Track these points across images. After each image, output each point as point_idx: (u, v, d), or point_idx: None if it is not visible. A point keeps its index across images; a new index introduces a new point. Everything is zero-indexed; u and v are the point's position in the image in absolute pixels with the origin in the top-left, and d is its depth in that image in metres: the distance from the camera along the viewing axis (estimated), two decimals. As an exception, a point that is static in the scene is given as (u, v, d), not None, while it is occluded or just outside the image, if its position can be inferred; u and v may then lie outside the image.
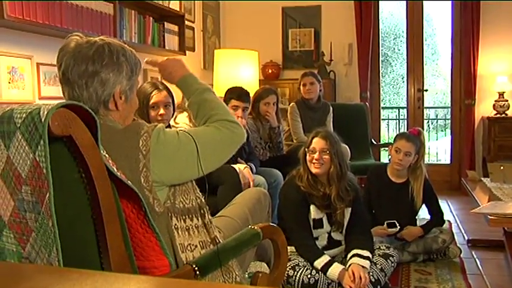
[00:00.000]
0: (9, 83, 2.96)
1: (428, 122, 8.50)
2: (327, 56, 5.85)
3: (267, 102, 4.07)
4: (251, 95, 3.78)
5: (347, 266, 2.82)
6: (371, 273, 2.82)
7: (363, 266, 2.79)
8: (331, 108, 4.76)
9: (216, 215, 1.98)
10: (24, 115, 1.16)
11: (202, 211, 1.67)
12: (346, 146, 3.92)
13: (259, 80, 5.37)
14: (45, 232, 1.16)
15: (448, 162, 6.23)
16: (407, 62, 6.17)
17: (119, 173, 1.30)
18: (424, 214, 3.64)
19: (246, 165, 3.43)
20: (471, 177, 4.04)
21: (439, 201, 3.57)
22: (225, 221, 1.93)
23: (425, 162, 3.52)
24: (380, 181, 3.45)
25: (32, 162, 1.15)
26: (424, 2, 6.03)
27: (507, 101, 5.53)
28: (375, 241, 3.09)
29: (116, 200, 1.27)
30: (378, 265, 2.90)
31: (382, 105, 6.49)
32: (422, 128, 4.73)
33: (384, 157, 6.64)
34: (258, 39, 6.00)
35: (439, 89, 10.72)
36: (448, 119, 8.14)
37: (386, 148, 6.51)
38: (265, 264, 2.07)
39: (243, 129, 1.74)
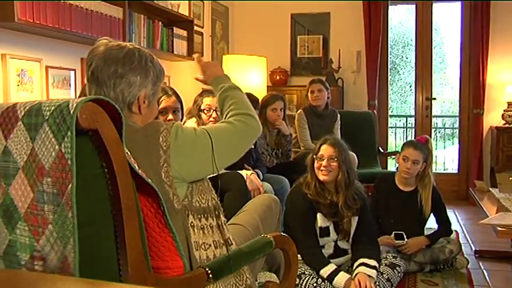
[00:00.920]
0: (18, 85, 2.96)
1: (435, 130, 8.47)
2: (335, 63, 5.83)
3: (274, 108, 4.07)
4: (259, 101, 3.78)
5: (353, 275, 2.80)
6: (377, 283, 2.80)
7: (369, 276, 2.77)
8: (338, 115, 4.74)
9: (228, 223, 1.97)
10: (53, 108, 1.18)
11: (217, 212, 1.71)
12: (354, 154, 3.90)
13: (267, 86, 5.37)
14: (64, 224, 1.17)
15: (456, 171, 6.20)
16: (415, 70, 6.15)
17: (140, 171, 1.31)
18: (431, 223, 3.61)
19: (252, 171, 3.42)
20: (479, 188, 4.01)
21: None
22: (236, 228, 1.93)
23: (432, 171, 3.49)
24: (388, 189, 3.43)
25: (57, 153, 1.17)
26: (433, 4, 6.00)
27: (516, 110, 5.50)
28: (382, 250, 3.07)
29: (136, 198, 1.27)
30: (384, 275, 2.88)
31: (389, 113, 6.47)
32: (430, 137, 4.71)
33: (391, 165, 6.61)
34: (266, 45, 6.00)
35: (446, 98, 10.67)
36: (455, 128, 8.11)
37: (394, 156, 6.50)
38: (274, 275, 2.07)
39: (258, 122, 1.78)
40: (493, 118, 5.69)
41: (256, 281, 1.94)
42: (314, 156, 2.97)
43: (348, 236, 2.98)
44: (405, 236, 3.27)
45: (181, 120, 2.97)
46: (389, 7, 6.01)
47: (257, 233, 1.92)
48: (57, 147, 1.17)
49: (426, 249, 3.34)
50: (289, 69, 6.14)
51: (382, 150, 5.39)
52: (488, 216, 3.02)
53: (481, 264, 3.57)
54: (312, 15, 6.11)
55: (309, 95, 4.57)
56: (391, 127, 7.18)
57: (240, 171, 3.26)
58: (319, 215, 2.91)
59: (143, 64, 1.59)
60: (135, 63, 1.57)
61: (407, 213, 3.36)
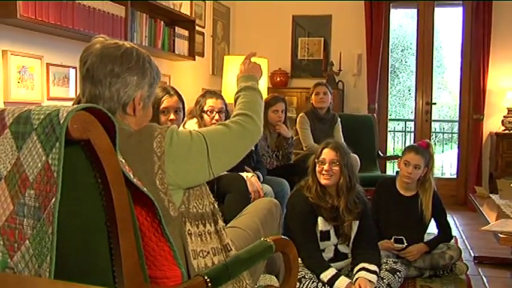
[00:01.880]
0: (18, 82, 2.93)
1: (435, 135, 8.47)
2: (336, 66, 5.82)
3: (275, 110, 4.06)
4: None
5: (354, 279, 2.78)
6: (378, 288, 2.78)
7: (369, 280, 2.76)
8: (338, 119, 4.73)
9: (228, 226, 1.95)
10: (42, 116, 1.13)
11: (215, 217, 1.66)
12: (356, 156, 3.89)
13: (268, 87, 5.35)
14: (42, 240, 1.12)
15: (454, 176, 6.19)
16: (416, 75, 6.15)
17: (135, 180, 1.27)
18: (432, 229, 3.59)
19: (253, 173, 3.40)
20: (479, 193, 3.99)
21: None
22: (236, 232, 1.90)
23: (433, 175, 3.48)
24: (389, 194, 3.40)
25: (44, 165, 1.12)
26: (435, 9, 6.00)
27: (516, 117, 5.50)
28: (382, 255, 3.05)
29: (131, 207, 1.24)
30: (385, 280, 2.86)
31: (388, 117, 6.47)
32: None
33: (390, 169, 6.61)
34: (267, 46, 5.99)
35: (444, 102, 10.69)
36: (454, 133, 8.11)
37: (393, 160, 6.49)
38: (274, 278, 2.05)
39: (259, 125, 1.74)
40: (492, 124, 5.69)
41: (256, 285, 1.92)
42: (316, 160, 2.94)
43: (349, 240, 2.96)
44: (405, 241, 3.26)
45: (182, 120, 2.95)
46: (391, 10, 6.01)
47: (257, 237, 1.89)
48: (44, 158, 1.12)
49: (426, 254, 3.33)
50: (290, 71, 6.13)
51: (381, 154, 5.38)
52: (488, 223, 3.01)
53: (480, 270, 3.56)
54: (314, 17, 6.10)
55: (314, 97, 4.55)
56: (390, 131, 7.17)
57: (240, 173, 3.24)
58: (320, 219, 2.89)
59: (140, 64, 1.54)
60: (132, 63, 1.52)
61: (408, 218, 3.34)
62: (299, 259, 2.80)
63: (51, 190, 1.10)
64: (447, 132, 9.39)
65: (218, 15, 5.78)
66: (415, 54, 6.26)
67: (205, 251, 1.59)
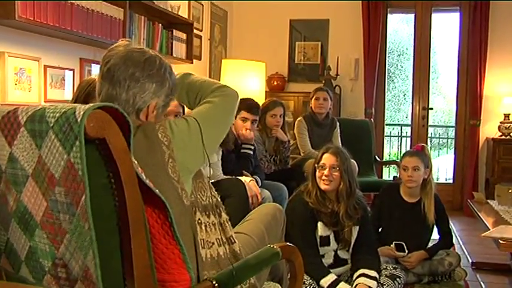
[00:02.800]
0: (15, 84, 2.90)
1: (430, 140, 8.49)
2: (333, 71, 5.81)
3: (273, 114, 4.04)
4: (259, 106, 3.75)
5: (353, 285, 2.77)
6: (377, 294, 2.77)
7: (369, 287, 2.74)
8: (337, 123, 4.72)
9: (233, 230, 1.94)
10: (57, 115, 1.13)
11: (218, 210, 1.70)
12: (355, 162, 3.88)
13: (265, 91, 5.33)
14: (80, 235, 1.13)
15: (451, 181, 6.20)
16: (412, 80, 6.15)
17: (147, 181, 1.26)
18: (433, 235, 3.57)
19: (251, 178, 3.39)
20: (477, 199, 3.98)
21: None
22: (241, 237, 1.89)
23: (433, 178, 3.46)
24: (392, 200, 3.38)
25: (66, 163, 1.12)
26: (432, 15, 6.01)
27: (512, 122, 5.51)
28: (381, 261, 3.04)
29: (142, 209, 1.23)
30: (385, 286, 2.85)
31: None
32: (426, 146, 4.69)
33: (386, 174, 6.61)
34: (264, 50, 5.98)
35: (438, 108, 10.71)
36: (450, 138, 8.12)
37: (390, 165, 6.49)
38: (278, 285, 2.03)
39: (231, 88, 1.78)
40: (489, 129, 5.70)
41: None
42: (316, 165, 2.93)
43: (348, 246, 2.94)
44: (405, 247, 3.24)
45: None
46: (387, 19, 6.02)
47: (262, 243, 1.90)
48: (65, 156, 1.12)
49: (425, 261, 3.31)
50: (287, 75, 6.12)
51: (378, 159, 5.37)
52: (487, 229, 3.00)
53: (478, 276, 3.55)
54: (311, 21, 6.09)
55: (313, 101, 4.54)
56: (386, 136, 7.17)
57: (239, 178, 3.22)
58: (319, 224, 2.87)
59: (162, 73, 1.56)
60: (154, 71, 1.53)
61: (412, 224, 3.32)
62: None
63: (79, 187, 1.11)
64: (443, 138, 9.41)
65: (216, 19, 5.76)
66: (410, 59, 6.26)
67: (210, 242, 1.62)
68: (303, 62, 6.13)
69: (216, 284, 1.44)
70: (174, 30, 4.36)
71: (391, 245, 3.24)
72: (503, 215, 3.36)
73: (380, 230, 3.41)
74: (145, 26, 3.95)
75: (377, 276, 2.82)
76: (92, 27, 3.22)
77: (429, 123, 6.21)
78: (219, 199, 1.73)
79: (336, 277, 2.78)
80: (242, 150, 3.62)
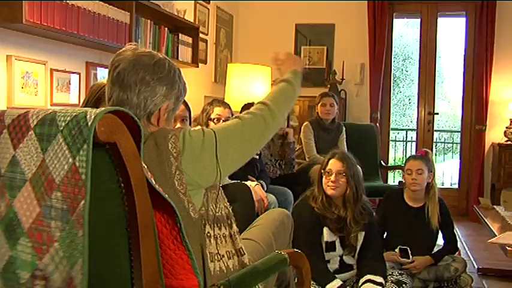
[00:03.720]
0: (22, 88, 2.90)
1: (435, 145, 8.47)
2: (339, 75, 5.80)
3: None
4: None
5: (359, 291, 2.75)
6: (383, 301, 2.75)
7: (375, 293, 2.72)
8: (344, 128, 4.71)
9: (241, 237, 1.93)
10: (68, 118, 1.11)
11: (229, 221, 1.66)
12: (359, 167, 3.86)
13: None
14: (71, 242, 1.10)
15: (456, 187, 6.17)
16: (418, 84, 6.14)
17: (156, 186, 1.25)
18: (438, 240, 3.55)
19: (257, 182, 3.38)
20: (483, 205, 3.97)
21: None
22: (249, 244, 1.88)
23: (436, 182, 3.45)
24: (397, 205, 3.37)
25: (70, 166, 1.10)
26: (438, 19, 6.00)
27: (518, 128, 5.49)
28: (387, 267, 3.02)
29: (151, 214, 1.22)
30: (390, 292, 2.83)
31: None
32: (432, 151, 4.68)
33: (391, 179, 6.59)
34: (269, 54, 5.93)
35: (443, 112, 10.70)
36: (456, 143, 8.10)
37: (395, 170, 6.47)
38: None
39: (276, 118, 1.67)
40: (495, 135, 5.68)
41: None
42: (322, 170, 2.91)
43: (354, 251, 2.93)
44: (410, 252, 3.22)
45: (188, 129, 2.92)
46: (393, 23, 6.02)
47: (270, 249, 1.88)
48: (70, 160, 1.10)
49: (431, 266, 3.29)
50: (292, 79, 6.09)
51: (383, 164, 5.35)
52: (494, 235, 2.99)
53: (484, 282, 3.53)
54: (316, 25, 6.09)
55: (319, 107, 4.53)
56: (392, 140, 7.16)
57: (245, 182, 3.22)
58: (325, 230, 2.86)
59: (171, 76, 1.56)
60: (163, 74, 1.53)
61: (416, 229, 3.30)
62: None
63: (79, 192, 1.09)
64: (449, 142, 9.38)
65: (221, 23, 5.77)
66: (416, 63, 6.25)
67: (220, 254, 1.59)
68: (308, 67, 6.12)
69: (224, 290, 1.43)
70: (180, 34, 4.36)
71: (396, 250, 3.22)
72: (509, 221, 3.34)
73: (385, 235, 3.39)
74: (151, 29, 3.96)
75: (383, 281, 2.80)
76: (98, 31, 3.23)
77: (434, 128, 6.20)
78: (231, 210, 1.69)
79: (341, 283, 2.77)
80: (247, 155, 3.61)
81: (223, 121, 3.19)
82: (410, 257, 3.20)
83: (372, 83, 5.83)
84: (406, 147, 8.01)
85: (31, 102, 2.95)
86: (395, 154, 8.18)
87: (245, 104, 3.73)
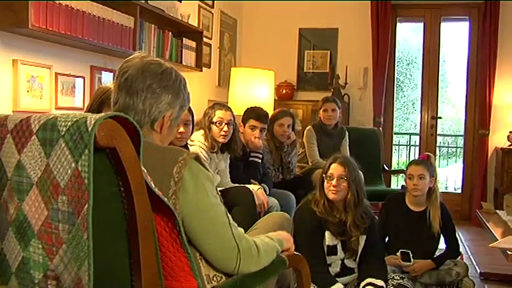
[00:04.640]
0: (27, 91, 2.94)
1: (439, 149, 8.47)
2: (342, 79, 5.82)
3: (281, 124, 4.04)
4: (268, 115, 3.78)
5: (360, 295, 2.76)
6: (385, 304, 2.76)
7: (376, 296, 2.73)
8: (347, 132, 4.73)
9: None
10: (69, 123, 1.14)
11: None
12: (361, 173, 3.88)
13: (273, 100, 5.35)
14: (78, 245, 1.13)
15: (459, 191, 6.17)
16: (421, 89, 6.15)
17: (156, 189, 1.28)
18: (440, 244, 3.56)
19: (259, 186, 3.40)
20: (486, 209, 3.97)
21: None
22: None
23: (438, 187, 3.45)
24: (398, 209, 3.37)
25: (73, 171, 1.13)
26: (441, 24, 6.01)
27: (522, 132, 5.48)
28: (388, 270, 3.03)
29: (151, 217, 1.24)
30: (392, 296, 2.84)
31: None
32: (435, 156, 4.68)
33: (394, 183, 6.59)
34: (273, 58, 6.00)
35: (447, 116, 10.70)
36: (459, 147, 8.09)
37: (398, 174, 6.46)
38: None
39: (254, 259, 1.60)
40: (498, 139, 5.68)
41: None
42: (323, 174, 2.93)
43: (356, 255, 2.94)
44: (411, 256, 3.23)
45: (191, 134, 2.95)
46: (396, 28, 6.03)
47: None
48: (73, 165, 1.13)
49: (432, 270, 3.29)
50: (296, 84, 6.13)
51: (386, 168, 5.36)
52: (496, 239, 3.00)
53: (486, 287, 3.54)
54: (320, 30, 6.11)
55: (322, 112, 4.55)
56: (395, 145, 7.17)
57: (247, 186, 3.24)
58: (327, 233, 2.88)
59: (177, 85, 1.60)
60: (170, 82, 1.57)
61: (418, 233, 3.31)
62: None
63: (83, 196, 1.12)
64: (452, 147, 9.38)
65: (225, 27, 5.80)
66: (419, 68, 6.27)
67: (210, 277, 1.55)
68: (311, 71, 6.14)
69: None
70: (183, 39, 4.39)
71: (397, 254, 3.23)
72: (511, 226, 3.35)
73: (386, 239, 3.40)
74: (155, 34, 3.99)
75: (384, 285, 2.81)
76: (103, 35, 3.26)
77: (438, 132, 6.21)
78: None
79: (342, 286, 2.78)
80: (250, 159, 3.64)
81: (226, 124, 3.22)
82: (412, 260, 3.21)
83: (375, 87, 5.85)
84: (409, 151, 8.02)
85: (36, 106, 2.98)
86: (399, 158, 8.18)
87: (249, 108, 3.75)
